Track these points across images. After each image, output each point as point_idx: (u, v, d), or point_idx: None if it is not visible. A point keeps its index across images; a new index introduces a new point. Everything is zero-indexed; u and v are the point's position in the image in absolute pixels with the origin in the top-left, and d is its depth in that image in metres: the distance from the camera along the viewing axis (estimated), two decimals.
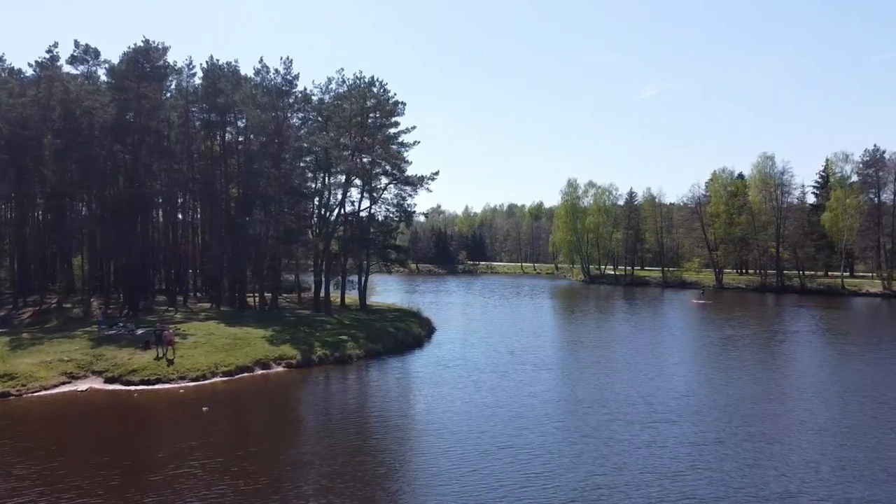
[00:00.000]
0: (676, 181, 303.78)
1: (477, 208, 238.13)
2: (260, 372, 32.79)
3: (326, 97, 52.16)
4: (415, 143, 53.54)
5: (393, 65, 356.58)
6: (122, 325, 39.65)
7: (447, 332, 50.91)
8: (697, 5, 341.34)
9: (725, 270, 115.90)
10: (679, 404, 28.14)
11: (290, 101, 50.12)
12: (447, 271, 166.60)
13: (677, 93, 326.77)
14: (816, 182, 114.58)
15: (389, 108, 50.29)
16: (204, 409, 26.14)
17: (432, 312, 61.45)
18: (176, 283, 57.91)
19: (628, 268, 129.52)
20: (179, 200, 58.97)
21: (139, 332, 37.82)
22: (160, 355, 32.47)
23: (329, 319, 45.76)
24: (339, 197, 53.38)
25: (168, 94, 56.61)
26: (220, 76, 52.57)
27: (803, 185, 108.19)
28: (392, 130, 53.80)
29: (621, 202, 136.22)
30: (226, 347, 34.48)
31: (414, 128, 54.52)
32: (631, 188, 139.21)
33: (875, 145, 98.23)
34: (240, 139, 55.08)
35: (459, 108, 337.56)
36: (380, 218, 56.13)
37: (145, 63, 48.38)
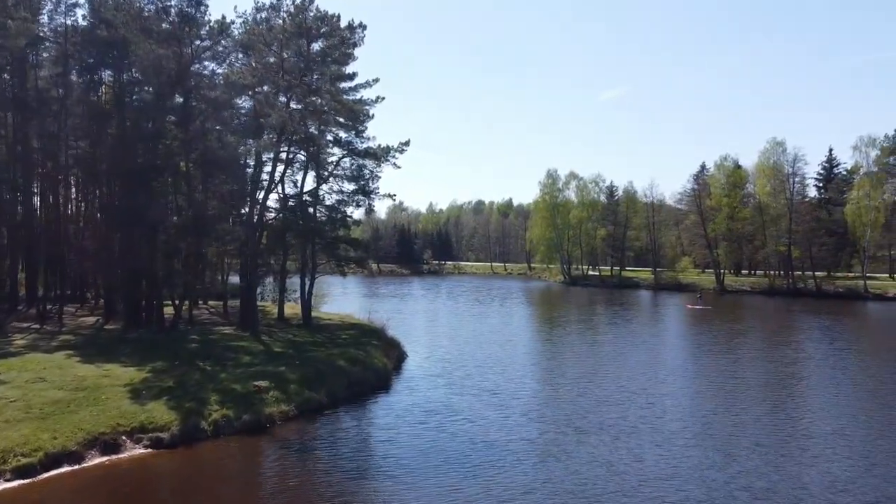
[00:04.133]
0: (663, 177, 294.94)
1: (442, 205, 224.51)
2: (98, 460, 17.95)
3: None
4: (378, 99, 39.19)
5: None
6: None
7: (419, 357, 36.88)
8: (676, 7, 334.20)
9: (728, 271, 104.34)
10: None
11: (200, 31, 35.08)
12: (411, 272, 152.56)
13: (639, 93, 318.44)
14: (819, 174, 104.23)
15: (341, 37, 34.76)
16: None
17: (398, 327, 47.22)
18: (53, 289, 42.68)
19: (614, 268, 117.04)
20: (59, 177, 43.38)
21: None
22: None
23: (252, 345, 31.05)
24: (277, 171, 38.65)
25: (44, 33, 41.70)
26: (108, 4, 37.46)
27: (804, 177, 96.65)
28: (346, 84, 39.39)
29: (612, 194, 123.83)
30: (48, 409, 19.63)
31: (377, 80, 40.19)
32: (611, 182, 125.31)
33: None
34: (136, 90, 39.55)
35: (424, 104, 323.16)
36: (330, 201, 41.80)
37: None
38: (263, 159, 38.77)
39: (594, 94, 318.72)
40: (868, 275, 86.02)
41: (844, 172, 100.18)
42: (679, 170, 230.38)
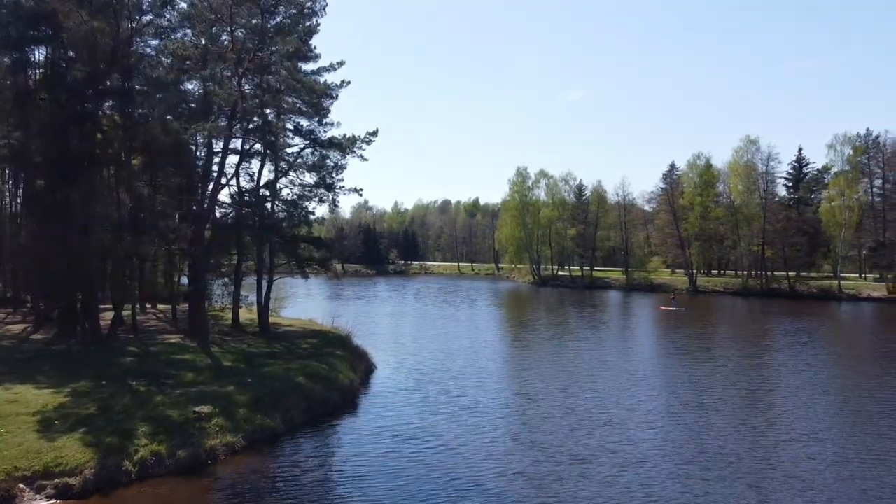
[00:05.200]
0: (630, 178, 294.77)
1: (408, 204, 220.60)
2: None
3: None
4: (343, 83, 35.48)
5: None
6: None
7: (389, 369, 33.35)
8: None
9: (701, 271, 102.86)
10: None
11: (141, 2, 30.84)
12: (377, 272, 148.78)
13: (602, 95, 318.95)
14: (788, 173, 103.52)
15: (299, 4, 30.43)
16: None
17: (365, 333, 43.69)
18: None
19: (585, 268, 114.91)
20: None
21: None
22: None
23: (198, 358, 27.09)
24: (230, 161, 34.56)
25: None
26: None
27: (775, 176, 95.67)
28: (308, 66, 35.64)
29: (581, 194, 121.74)
30: None
31: (342, 63, 36.52)
32: (580, 181, 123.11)
33: (868, 129, 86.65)
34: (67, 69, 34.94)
35: (388, 103, 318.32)
36: (290, 196, 37.94)
37: None
38: (216, 149, 34.73)
39: (558, 95, 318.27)
40: (838, 274, 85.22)
41: (815, 171, 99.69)
42: (645, 171, 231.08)
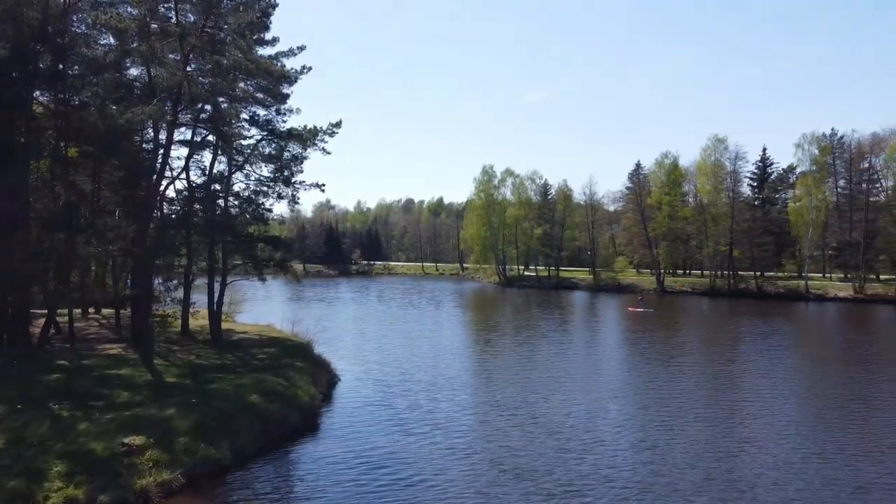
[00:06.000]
0: (601, 178, 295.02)
1: (371, 203, 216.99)
2: None
3: None
4: (304, 69, 32.57)
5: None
6: None
7: (353, 380, 30.57)
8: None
9: (667, 271, 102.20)
10: None
11: None
12: (339, 272, 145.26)
13: (564, 95, 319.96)
14: (753, 173, 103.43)
15: None
16: None
17: (327, 339, 40.90)
18: None
19: (551, 268, 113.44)
20: None
21: None
22: None
23: (138, 373, 23.92)
24: (178, 152, 31.36)
25: None
26: None
27: (740, 175, 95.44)
28: (266, 51, 32.62)
29: (546, 193, 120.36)
30: None
31: (303, 48, 33.57)
32: (546, 180, 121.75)
33: (833, 129, 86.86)
34: None
35: (349, 102, 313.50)
36: (246, 192, 34.90)
37: None
38: (162, 139, 31.42)
39: (520, 95, 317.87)
40: (805, 275, 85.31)
41: (780, 171, 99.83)
42: (610, 171, 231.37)
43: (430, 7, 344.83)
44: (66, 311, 32.70)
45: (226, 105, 29.72)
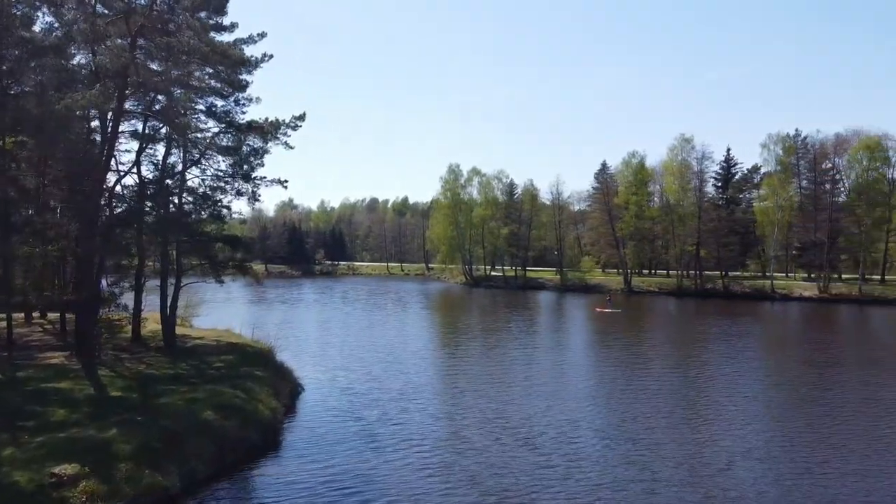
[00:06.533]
0: (566, 178, 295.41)
1: (335, 202, 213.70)
2: None
3: None
4: (265, 57, 30.46)
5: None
6: None
7: (318, 390, 28.59)
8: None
9: (634, 271, 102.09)
10: None
11: None
12: (302, 273, 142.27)
13: (530, 95, 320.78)
14: (717, 173, 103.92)
15: None
16: None
17: (290, 345, 38.80)
18: None
19: (518, 268, 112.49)
20: None
21: None
22: None
23: (79, 386, 21.60)
24: (129, 145, 28.93)
25: None
26: None
27: (704, 175, 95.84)
28: (224, 37, 30.42)
29: (512, 193, 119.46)
30: None
31: (263, 35, 31.48)
32: (511, 180, 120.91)
33: (797, 129, 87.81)
34: None
35: (313, 101, 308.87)
36: (202, 188, 32.62)
37: None
38: (112, 130, 28.95)
39: (487, 95, 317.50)
40: (771, 274, 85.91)
41: (745, 172, 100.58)
42: (574, 172, 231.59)
43: (394, 7, 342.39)
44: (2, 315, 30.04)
45: (179, 93, 27.41)
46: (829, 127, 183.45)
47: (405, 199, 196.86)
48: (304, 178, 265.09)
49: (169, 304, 31.54)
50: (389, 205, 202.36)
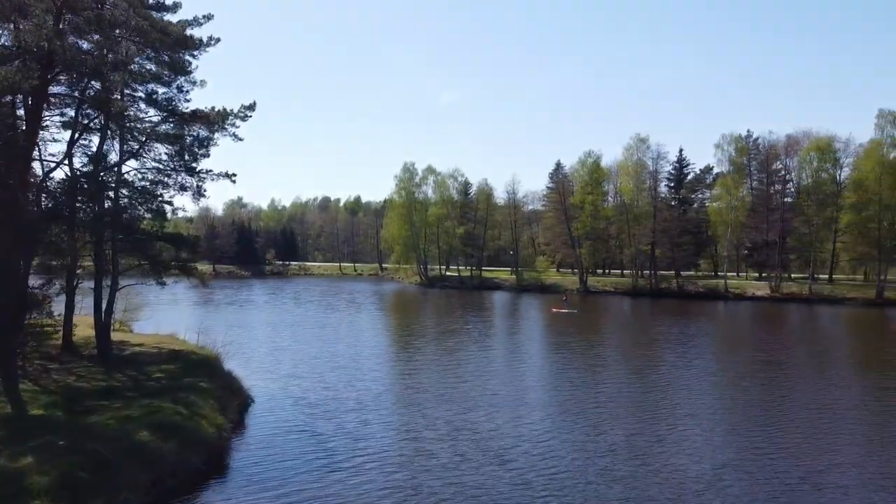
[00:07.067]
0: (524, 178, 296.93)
1: (286, 201, 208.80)
2: None
3: None
4: (212, 41, 28.14)
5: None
6: None
7: (269, 400, 26.40)
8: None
9: (589, 271, 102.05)
10: None
11: None
12: (252, 273, 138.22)
13: (477, 96, 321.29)
14: (669, 174, 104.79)
15: None
16: None
17: (239, 351, 36.43)
18: None
19: (473, 268, 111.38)
20: None
21: None
22: None
23: None
24: (58, 136, 26.12)
25: None
26: None
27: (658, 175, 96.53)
28: (165, 17, 27.98)
29: (467, 192, 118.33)
30: None
31: (210, 17, 29.16)
32: (466, 179, 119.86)
33: (749, 130, 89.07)
34: None
35: (264, 100, 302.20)
36: (141, 182, 30.03)
37: None
38: (35, 114, 26.17)
39: (435, 96, 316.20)
40: (724, 274, 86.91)
41: (697, 172, 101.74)
42: (527, 172, 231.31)
43: (349, 5, 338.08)
44: None
45: (114, 76, 24.89)
46: (781, 128, 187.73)
47: (358, 199, 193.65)
48: (255, 176, 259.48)
49: (104, 307, 28.88)
50: (342, 204, 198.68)
